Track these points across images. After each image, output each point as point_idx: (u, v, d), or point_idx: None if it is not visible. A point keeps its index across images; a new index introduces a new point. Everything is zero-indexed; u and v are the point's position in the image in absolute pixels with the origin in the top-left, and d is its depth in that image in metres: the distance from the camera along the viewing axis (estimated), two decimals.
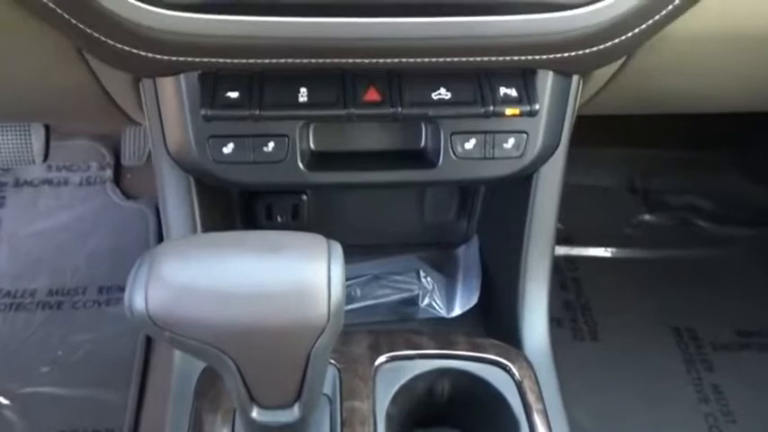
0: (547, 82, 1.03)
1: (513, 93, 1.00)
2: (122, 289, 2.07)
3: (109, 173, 2.12)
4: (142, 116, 1.14)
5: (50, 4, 0.84)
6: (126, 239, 2.01)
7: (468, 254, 1.46)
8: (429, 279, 1.40)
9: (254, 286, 0.71)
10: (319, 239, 0.75)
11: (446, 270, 1.45)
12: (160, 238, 2.00)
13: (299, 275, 0.72)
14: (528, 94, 1.00)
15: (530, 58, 0.95)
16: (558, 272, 1.99)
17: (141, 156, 2.10)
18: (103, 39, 0.88)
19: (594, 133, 1.89)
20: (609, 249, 2.07)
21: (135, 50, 0.89)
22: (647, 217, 2.16)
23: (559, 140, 1.11)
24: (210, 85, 0.97)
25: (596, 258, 2.05)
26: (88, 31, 0.87)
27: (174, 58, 0.91)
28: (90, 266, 1.94)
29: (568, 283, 1.99)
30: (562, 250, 2.02)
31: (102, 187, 2.10)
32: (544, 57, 0.95)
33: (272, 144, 1.02)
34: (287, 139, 1.02)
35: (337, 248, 0.75)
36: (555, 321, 1.69)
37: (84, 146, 2.17)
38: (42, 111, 1.35)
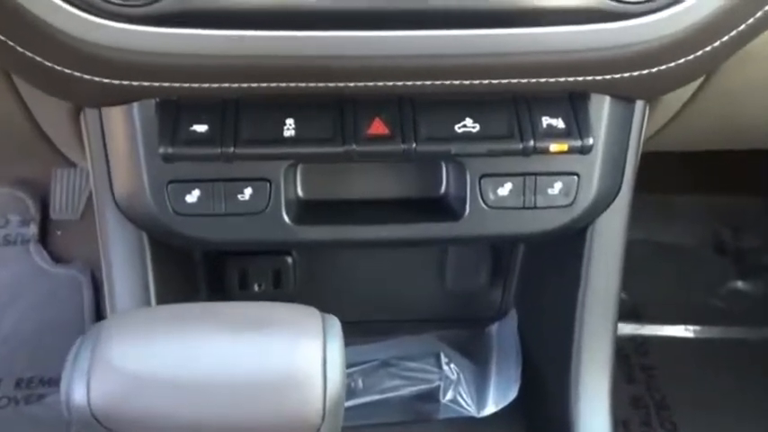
0: (603, 110, 1.06)
1: (559, 124, 1.03)
2: (46, 382, 2.04)
3: (33, 230, 2.14)
4: (81, 155, 1.17)
5: None
6: (53, 316, 2.01)
7: (504, 333, 1.47)
8: (453, 366, 1.42)
9: (228, 375, 0.73)
10: (311, 313, 0.77)
11: (475, 354, 1.47)
12: (98, 315, 2.02)
13: (285, 360, 0.74)
14: (579, 125, 1.03)
15: (580, 79, 0.98)
16: (624, 358, 1.98)
17: (76, 207, 2.13)
18: (38, 58, 0.91)
19: (669, 176, 1.93)
20: (690, 328, 2.07)
21: (76, 73, 0.93)
22: (739, 284, 2.17)
23: (621, 184, 1.14)
24: (171, 116, 1.00)
25: (674, 340, 2.05)
26: (19, 48, 0.91)
27: (126, 83, 0.94)
28: (5, 351, 1.94)
29: (637, 373, 1.98)
30: (628, 329, 2.02)
31: (24, 248, 2.12)
32: (599, 78, 0.98)
33: (248, 191, 1.05)
34: (268, 185, 1.05)
35: (334, 324, 0.77)
36: (621, 424, 1.69)
37: (3, 194, 2.18)
38: None
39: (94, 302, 2.02)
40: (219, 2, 0.86)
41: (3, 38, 0.90)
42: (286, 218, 1.07)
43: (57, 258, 2.10)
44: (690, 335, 2.06)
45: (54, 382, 1.95)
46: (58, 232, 2.15)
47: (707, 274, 2.17)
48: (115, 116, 1.04)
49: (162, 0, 0.85)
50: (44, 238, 2.14)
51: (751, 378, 1.95)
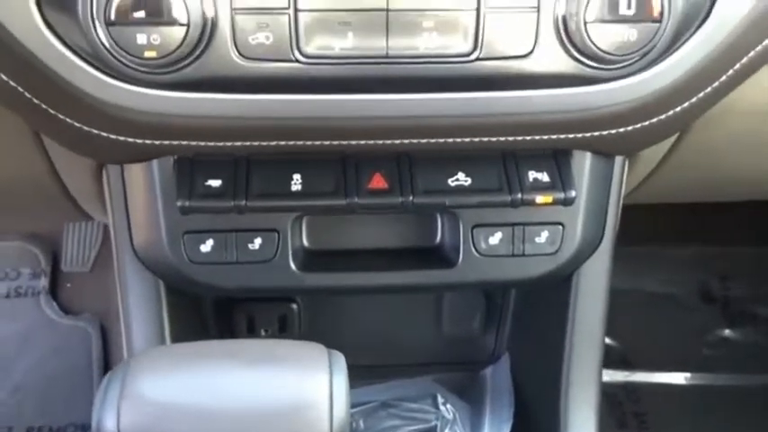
0: (584, 165, 1.15)
1: (544, 177, 1.12)
2: (56, 431, 2.04)
3: (44, 282, 2.17)
4: (99, 209, 1.25)
5: (11, 83, 0.96)
6: (62, 366, 2.06)
7: (498, 375, 1.52)
8: (449, 407, 1.47)
9: (245, 404, 0.80)
10: (319, 349, 0.85)
11: (471, 396, 1.52)
12: (106, 366, 2.06)
13: (296, 391, 0.81)
14: (562, 178, 1.12)
15: (562, 137, 1.06)
16: (617, 404, 2.02)
17: (86, 260, 2.17)
18: (69, 120, 1.00)
19: (656, 226, 1.97)
20: (680, 375, 2.11)
21: (103, 133, 1.01)
22: (727, 332, 2.21)
23: (603, 234, 1.22)
24: (188, 172, 1.09)
25: (664, 387, 2.10)
26: (51, 111, 0.99)
27: (149, 142, 1.03)
28: (16, 400, 1.99)
29: (629, 420, 2.02)
30: (620, 376, 2.06)
31: (34, 300, 2.15)
32: (579, 135, 1.06)
33: (258, 240, 1.13)
34: (277, 235, 1.14)
35: (339, 359, 0.85)
36: None
37: (14, 248, 2.21)
38: None
39: (103, 353, 2.07)
40: (235, 69, 0.94)
41: (37, 101, 0.98)
42: (293, 266, 1.15)
43: (66, 310, 2.14)
44: (680, 382, 2.11)
45: (63, 430, 1.99)
46: (68, 284, 2.19)
47: (695, 323, 2.21)
48: (136, 172, 1.12)
49: (184, 68, 0.92)
50: (54, 289, 2.18)
51: (741, 424, 2.00)
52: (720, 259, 2.29)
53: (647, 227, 1.79)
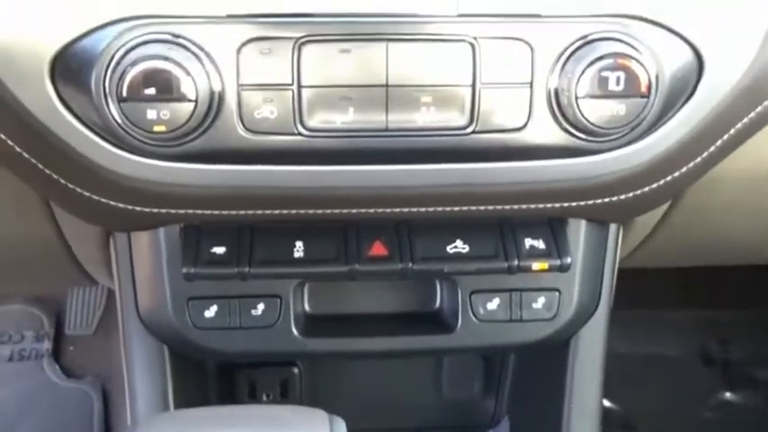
0: (579, 232, 1.19)
1: (540, 245, 1.15)
2: None
3: (47, 345, 2.20)
4: (105, 274, 1.29)
5: (24, 154, 1.01)
6: (63, 429, 2.07)
7: None
8: None
9: None
10: (320, 414, 0.88)
11: None
12: (106, 429, 2.07)
13: None
14: (557, 246, 1.15)
15: (557, 205, 1.10)
16: None
17: (90, 323, 2.21)
18: (78, 190, 1.04)
19: (654, 290, 2.00)
20: None
21: (112, 202, 1.05)
22: (728, 396, 2.22)
23: (599, 299, 1.25)
24: (194, 239, 1.12)
25: None
26: (62, 181, 1.03)
27: (156, 211, 1.07)
28: None
29: None
30: None
31: (37, 363, 2.18)
32: (573, 204, 1.10)
33: (261, 306, 1.17)
34: (279, 301, 1.17)
35: (340, 424, 0.87)
36: None
37: (18, 311, 2.24)
38: None
39: (104, 416, 2.08)
40: (241, 142, 0.97)
41: (48, 171, 1.02)
42: (295, 331, 1.18)
43: (68, 373, 2.17)
44: None
45: None
46: (71, 347, 2.22)
47: (695, 386, 2.22)
48: (143, 240, 1.16)
49: (192, 141, 0.96)
50: (57, 352, 2.20)
51: None
52: (719, 322, 2.30)
53: (645, 290, 1.81)
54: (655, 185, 1.09)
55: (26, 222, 1.23)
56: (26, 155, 1.01)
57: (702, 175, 1.12)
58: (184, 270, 1.11)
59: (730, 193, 1.25)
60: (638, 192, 1.09)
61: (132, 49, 0.91)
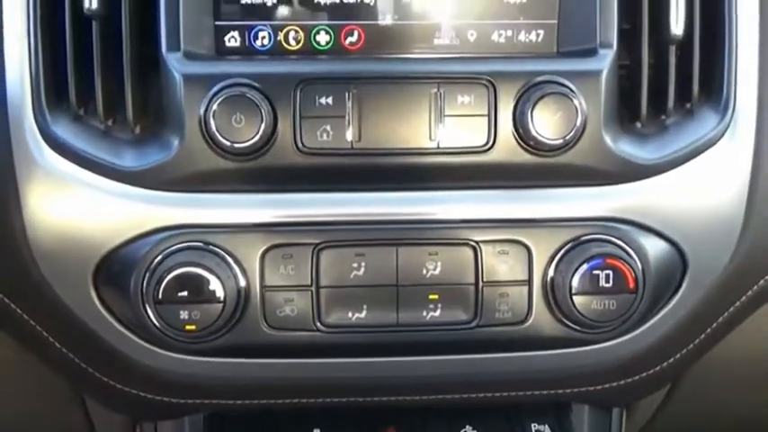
0: (583, 416, 1.26)
1: (546, 430, 1.22)
2: None
3: None
4: None
5: (63, 349, 1.11)
6: None
7: None
8: None
9: None
10: None
11: None
12: None
13: None
14: (563, 430, 1.22)
15: (560, 392, 1.17)
16: None
17: None
18: (113, 383, 1.12)
19: None
20: None
21: (143, 393, 1.13)
22: None
23: None
24: (217, 427, 1.20)
25: None
26: (97, 374, 1.12)
27: (182, 401, 1.14)
28: None
29: None
30: None
31: None
32: (574, 390, 1.17)
33: None
34: None
35: None
36: None
37: None
38: None
39: None
40: (264, 338, 1.05)
41: (84, 365, 1.11)
42: None
43: None
44: None
45: None
46: None
47: None
48: (169, 428, 1.24)
49: (219, 338, 1.05)
50: None
51: None
52: None
53: None
54: (651, 371, 1.17)
55: (60, 414, 1.31)
56: (65, 350, 1.10)
57: (698, 359, 1.19)
58: None
59: (727, 373, 1.31)
60: (636, 377, 1.17)
61: (168, 256, 1.01)
